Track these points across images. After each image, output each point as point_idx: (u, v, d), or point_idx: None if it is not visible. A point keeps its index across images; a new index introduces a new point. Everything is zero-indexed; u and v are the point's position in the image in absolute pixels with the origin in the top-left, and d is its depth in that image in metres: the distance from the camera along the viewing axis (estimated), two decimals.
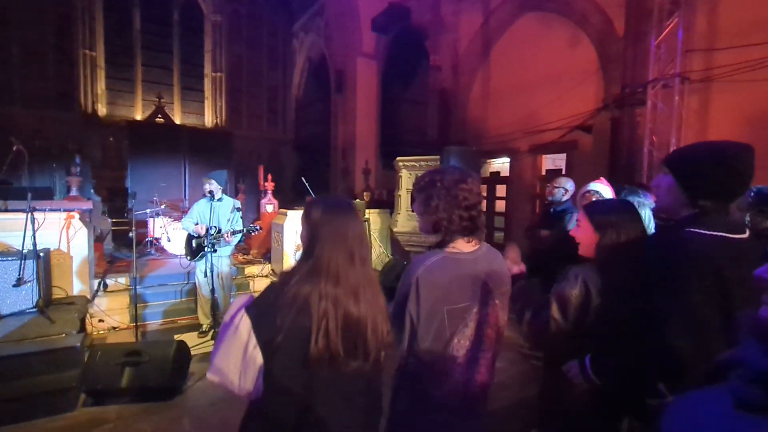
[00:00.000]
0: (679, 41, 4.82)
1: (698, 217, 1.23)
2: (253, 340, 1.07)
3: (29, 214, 3.36)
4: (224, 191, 4.45)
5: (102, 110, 12.45)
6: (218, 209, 4.27)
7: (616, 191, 2.84)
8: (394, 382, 1.38)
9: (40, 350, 2.87)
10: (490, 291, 1.35)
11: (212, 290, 4.17)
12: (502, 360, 3.54)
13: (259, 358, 1.07)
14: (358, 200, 7.17)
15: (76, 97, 11.82)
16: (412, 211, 1.35)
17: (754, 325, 0.60)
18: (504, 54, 7.80)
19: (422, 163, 6.18)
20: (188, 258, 4.41)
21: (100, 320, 4.42)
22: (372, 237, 6.77)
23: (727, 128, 4.53)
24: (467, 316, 1.31)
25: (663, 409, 1.15)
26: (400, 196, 6.43)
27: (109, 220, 7.10)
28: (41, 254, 3.48)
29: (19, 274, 3.29)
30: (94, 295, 4.56)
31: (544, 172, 7.39)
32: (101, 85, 12.45)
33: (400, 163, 6.38)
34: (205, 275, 4.20)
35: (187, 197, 9.54)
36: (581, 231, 1.53)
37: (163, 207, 7.09)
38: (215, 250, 4.17)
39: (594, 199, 2.70)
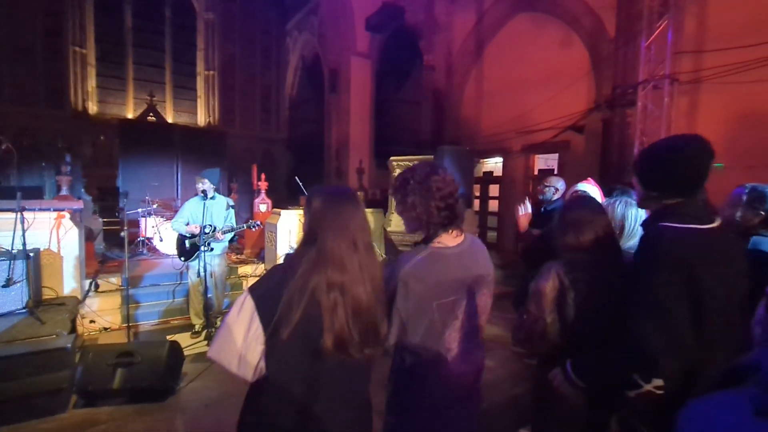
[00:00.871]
0: (668, 43, 4.89)
1: (667, 210, 1.26)
2: (257, 321, 1.07)
3: (19, 214, 3.32)
4: (217, 190, 4.43)
5: (93, 108, 12.31)
6: (212, 208, 4.25)
7: (608, 191, 2.87)
8: (390, 377, 1.39)
9: (30, 351, 2.83)
10: (477, 282, 1.38)
11: (205, 290, 4.15)
12: (495, 359, 3.57)
13: (261, 339, 1.07)
14: None
15: (66, 95, 11.67)
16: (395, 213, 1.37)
17: None
18: (497, 54, 7.85)
19: (416, 162, 6.18)
20: (181, 258, 4.39)
21: (92, 321, 4.37)
22: None
23: (715, 129, 4.60)
24: (457, 309, 1.34)
25: (640, 399, 1.18)
26: None
27: (100, 219, 7.01)
28: (31, 254, 3.44)
29: (8, 275, 3.24)
30: (85, 295, 4.50)
31: (536, 172, 7.45)
32: (92, 83, 12.30)
33: (394, 163, 6.38)
34: (198, 275, 4.17)
35: (179, 196, 9.46)
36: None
37: (155, 206, 7.02)
38: (212, 249, 4.16)
39: None
